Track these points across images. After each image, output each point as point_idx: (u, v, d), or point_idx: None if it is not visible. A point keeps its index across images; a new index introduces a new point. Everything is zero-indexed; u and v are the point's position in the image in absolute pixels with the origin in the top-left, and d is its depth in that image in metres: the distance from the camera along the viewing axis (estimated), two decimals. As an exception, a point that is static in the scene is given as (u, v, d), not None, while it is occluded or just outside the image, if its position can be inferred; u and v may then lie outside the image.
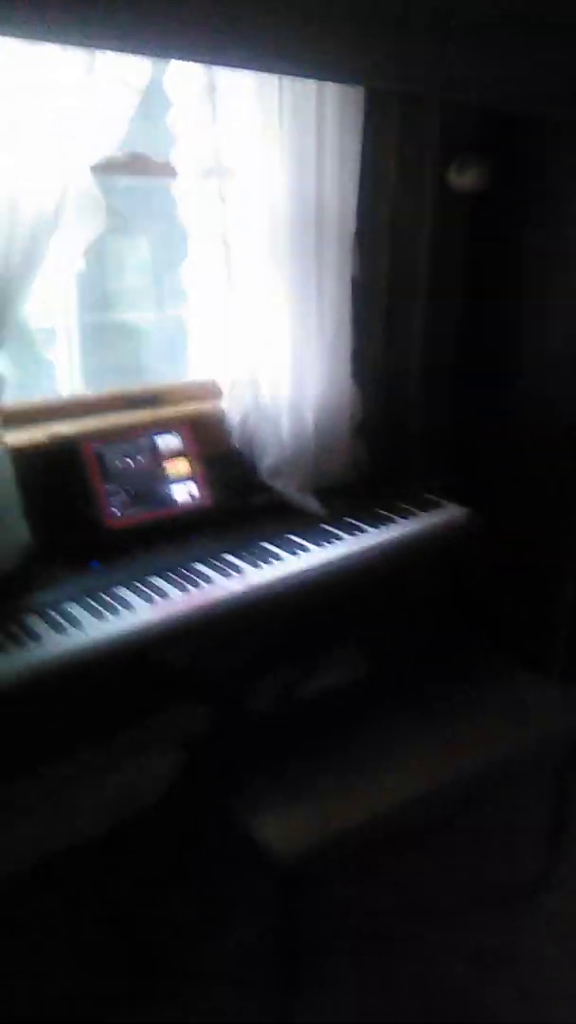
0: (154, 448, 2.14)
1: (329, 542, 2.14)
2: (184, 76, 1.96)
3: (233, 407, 2.30)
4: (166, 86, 1.97)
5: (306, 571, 2.02)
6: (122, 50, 1.69)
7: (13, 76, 1.62)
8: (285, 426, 2.34)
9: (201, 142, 2.03)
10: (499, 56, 2.17)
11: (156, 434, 2.15)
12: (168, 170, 2.07)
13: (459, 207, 2.59)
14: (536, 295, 2.60)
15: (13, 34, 1.53)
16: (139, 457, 2.10)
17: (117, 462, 2.06)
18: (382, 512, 2.32)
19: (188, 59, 1.88)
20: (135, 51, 1.72)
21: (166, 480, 2.13)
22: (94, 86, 1.73)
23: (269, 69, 1.95)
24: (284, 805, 1.73)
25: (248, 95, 2.02)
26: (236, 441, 2.32)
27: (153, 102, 1.98)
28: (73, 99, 1.70)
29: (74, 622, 1.71)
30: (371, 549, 2.16)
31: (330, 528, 2.20)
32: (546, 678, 2.41)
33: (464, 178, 2.47)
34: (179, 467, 2.16)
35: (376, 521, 2.27)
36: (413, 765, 1.85)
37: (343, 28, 1.88)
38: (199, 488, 2.17)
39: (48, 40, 1.59)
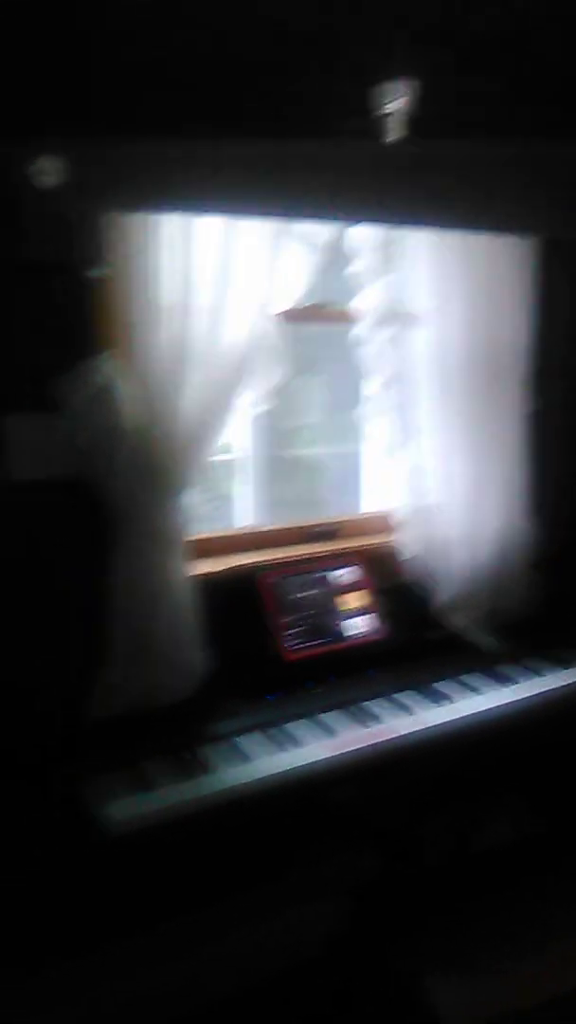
0: (329, 581, 2.16)
1: (505, 685, 2.05)
2: (362, 233, 2.10)
3: (408, 541, 2.31)
4: (346, 242, 2.11)
5: (480, 714, 1.94)
6: (305, 220, 1.85)
7: (209, 237, 1.78)
8: (460, 561, 2.31)
9: (378, 291, 2.14)
10: None
11: (331, 568, 2.18)
12: (348, 317, 2.18)
13: None
14: None
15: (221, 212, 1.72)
16: (315, 590, 2.13)
17: (293, 595, 2.10)
18: (560, 655, 2.21)
19: (362, 223, 2.04)
20: (316, 220, 1.88)
21: (341, 614, 2.14)
22: (282, 245, 1.88)
23: (438, 228, 2.06)
24: (456, 973, 1.60)
25: (421, 246, 2.14)
26: (411, 575, 2.31)
27: (336, 255, 2.12)
28: (263, 257, 1.85)
29: (246, 755, 1.71)
30: (548, 694, 2.05)
31: (507, 669, 2.12)
32: None
33: None
34: (354, 601, 2.16)
35: (554, 665, 2.16)
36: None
37: (510, 185, 1.96)
38: (374, 622, 2.16)
39: (243, 216, 1.77)
